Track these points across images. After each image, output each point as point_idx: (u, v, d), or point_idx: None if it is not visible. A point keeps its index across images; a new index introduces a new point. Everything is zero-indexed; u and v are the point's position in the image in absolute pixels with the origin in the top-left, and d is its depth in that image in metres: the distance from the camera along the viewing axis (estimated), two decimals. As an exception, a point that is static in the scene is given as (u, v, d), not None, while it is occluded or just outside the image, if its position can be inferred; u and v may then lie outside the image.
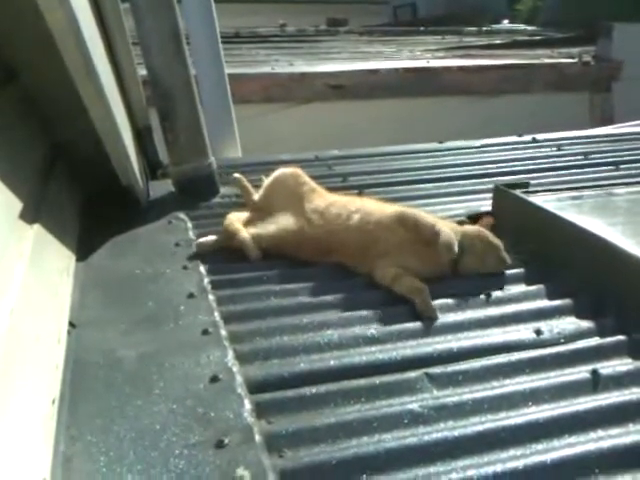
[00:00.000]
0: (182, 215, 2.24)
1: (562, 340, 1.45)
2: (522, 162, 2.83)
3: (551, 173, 2.65)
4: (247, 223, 1.95)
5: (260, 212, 2.01)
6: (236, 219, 1.95)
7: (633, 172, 2.61)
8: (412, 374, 1.32)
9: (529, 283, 1.72)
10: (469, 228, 1.81)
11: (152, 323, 1.53)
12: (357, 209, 1.82)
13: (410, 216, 1.75)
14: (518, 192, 2.04)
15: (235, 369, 1.33)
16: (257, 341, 1.46)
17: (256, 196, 2.08)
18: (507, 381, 1.31)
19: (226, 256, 1.88)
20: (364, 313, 1.56)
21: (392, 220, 1.75)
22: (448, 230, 1.70)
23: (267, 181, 2.06)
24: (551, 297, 1.64)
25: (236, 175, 2.15)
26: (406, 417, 1.19)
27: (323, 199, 1.93)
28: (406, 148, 3.05)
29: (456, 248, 1.67)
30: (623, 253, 1.55)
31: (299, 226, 1.85)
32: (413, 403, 1.23)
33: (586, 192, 2.13)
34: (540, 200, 1.97)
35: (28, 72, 1.92)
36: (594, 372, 1.30)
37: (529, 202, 1.95)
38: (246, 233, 1.88)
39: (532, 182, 2.27)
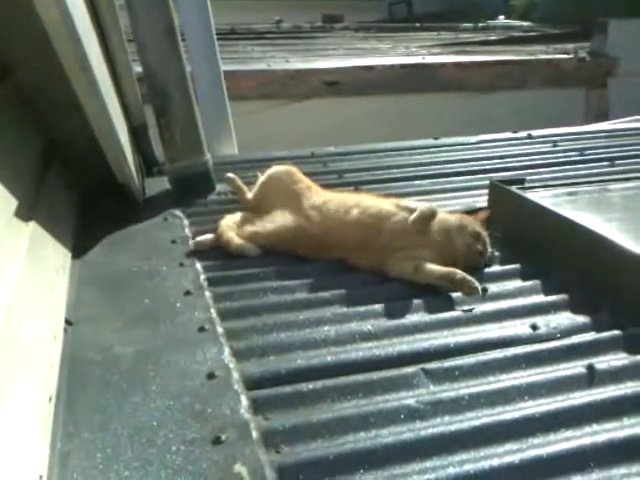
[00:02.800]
0: (178, 212, 2.24)
1: (558, 335, 1.45)
2: (518, 158, 2.83)
3: (546, 169, 2.66)
4: (243, 223, 1.95)
5: (256, 210, 2.01)
6: (228, 225, 1.93)
7: (628, 168, 2.61)
8: (409, 369, 1.32)
9: (525, 278, 1.72)
10: (463, 217, 1.86)
11: (148, 320, 1.53)
12: (356, 204, 1.83)
13: (402, 201, 1.83)
14: (514, 188, 2.04)
15: (232, 366, 1.33)
16: (253, 338, 1.46)
17: (250, 195, 2.09)
18: (503, 376, 1.32)
19: (222, 253, 1.88)
20: (360, 309, 1.56)
21: (391, 208, 1.79)
22: (427, 207, 1.77)
23: (261, 179, 2.07)
24: (547, 292, 1.65)
25: (229, 175, 2.16)
26: (403, 412, 1.19)
27: (319, 196, 1.94)
28: (402, 145, 3.05)
29: (423, 219, 1.73)
30: (618, 248, 1.56)
31: (297, 223, 1.85)
32: (410, 398, 1.23)
33: (582, 188, 2.13)
34: (536, 196, 1.97)
35: (23, 69, 1.91)
36: (590, 367, 1.31)
37: (525, 198, 1.96)
38: (238, 239, 1.88)
39: (528, 178, 2.27)
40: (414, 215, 1.74)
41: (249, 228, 1.91)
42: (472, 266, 1.72)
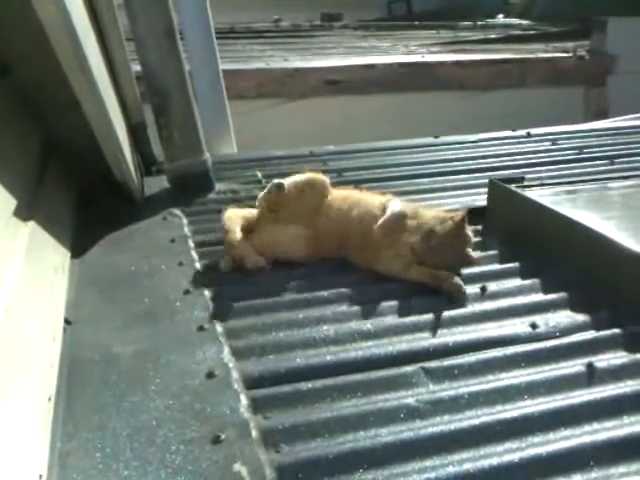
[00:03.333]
0: (177, 211, 2.24)
1: (557, 334, 1.45)
2: (517, 157, 2.83)
3: (546, 167, 2.65)
4: (251, 227, 1.85)
5: (276, 208, 1.85)
6: (236, 231, 1.80)
7: (628, 166, 2.61)
8: (408, 368, 1.32)
9: (524, 277, 1.72)
10: (440, 217, 1.75)
11: (148, 319, 1.53)
12: (358, 200, 1.83)
13: (390, 200, 1.81)
14: (513, 187, 2.04)
15: (231, 365, 1.33)
16: (253, 337, 1.46)
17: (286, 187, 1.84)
18: (503, 375, 1.32)
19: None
20: (360, 308, 1.56)
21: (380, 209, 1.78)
22: (397, 211, 1.74)
23: (296, 179, 1.86)
24: (546, 291, 1.64)
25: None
26: (402, 411, 1.20)
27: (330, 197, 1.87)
28: (401, 143, 3.04)
29: (390, 225, 1.71)
30: (618, 247, 1.56)
31: (309, 236, 1.81)
32: (409, 397, 1.23)
33: (581, 186, 2.13)
34: (535, 194, 1.97)
35: (22, 67, 1.91)
36: (589, 365, 1.31)
37: (524, 197, 1.96)
38: (254, 255, 1.77)
39: (527, 176, 2.27)
40: (381, 221, 1.72)
41: (259, 243, 1.82)
42: (443, 267, 1.67)
